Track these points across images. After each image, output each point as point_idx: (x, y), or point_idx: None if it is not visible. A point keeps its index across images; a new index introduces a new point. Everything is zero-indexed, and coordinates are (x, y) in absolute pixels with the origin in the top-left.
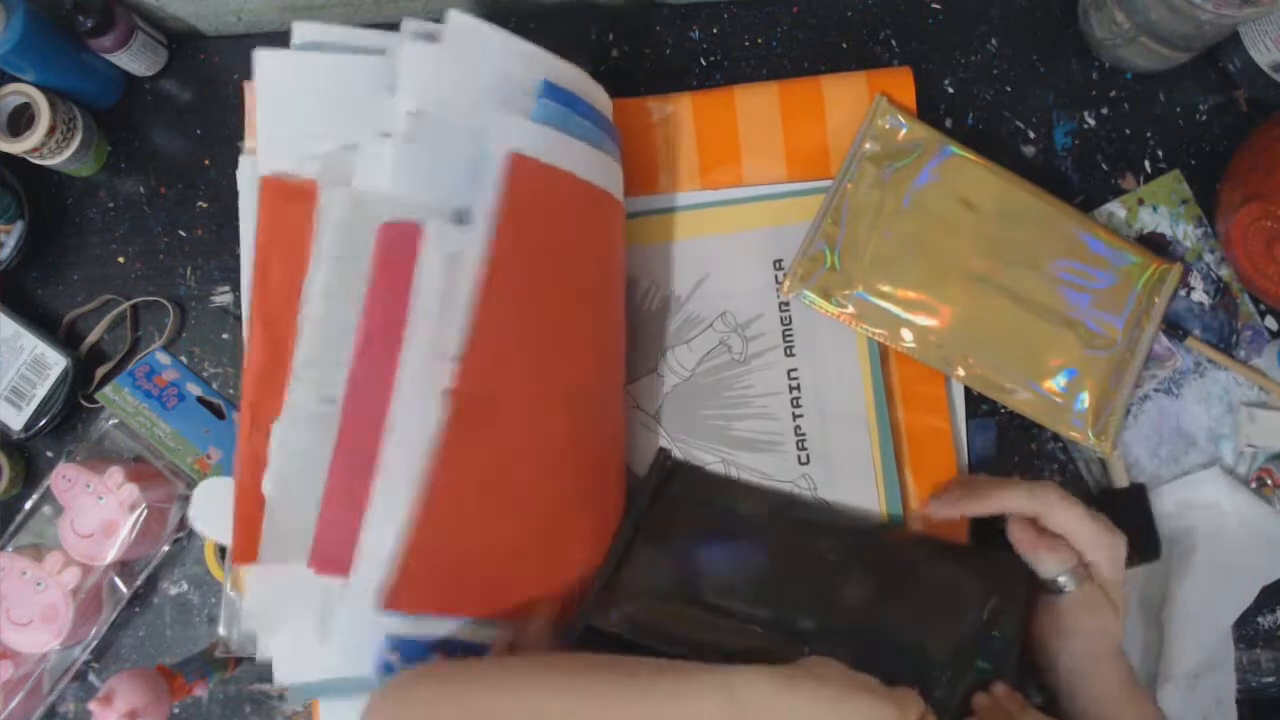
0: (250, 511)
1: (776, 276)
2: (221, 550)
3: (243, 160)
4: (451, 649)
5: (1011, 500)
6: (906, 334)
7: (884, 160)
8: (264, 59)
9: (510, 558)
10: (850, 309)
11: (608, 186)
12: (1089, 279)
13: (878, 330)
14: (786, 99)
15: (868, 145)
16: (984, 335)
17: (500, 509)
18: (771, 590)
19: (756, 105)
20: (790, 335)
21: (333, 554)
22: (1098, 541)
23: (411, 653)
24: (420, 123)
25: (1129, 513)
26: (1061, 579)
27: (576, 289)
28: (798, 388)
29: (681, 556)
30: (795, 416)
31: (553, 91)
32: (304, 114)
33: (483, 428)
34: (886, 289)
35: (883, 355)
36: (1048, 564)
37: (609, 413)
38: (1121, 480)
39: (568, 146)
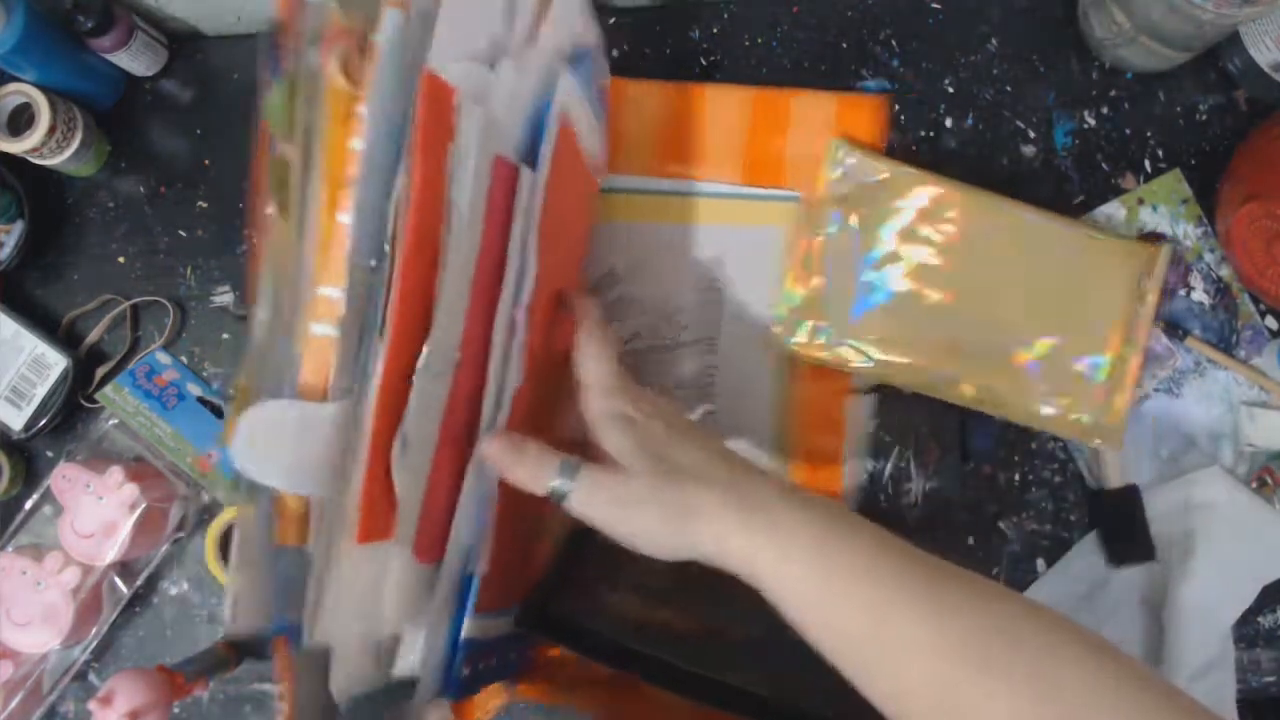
0: (383, 476)
1: (714, 273)
2: (223, 548)
3: (391, 14)
4: (502, 647)
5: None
6: (900, 362)
7: (851, 203)
8: None
9: (530, 537)
10: (836, 352)
11: (596, 164)
12: (1075, 277)
13: (869, 368)
14: (757, 107)
15: (831, 189)
16: (977, 353)
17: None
18: (709, 594)
19: (727, 107)
20: (715, 330)
21: (432, 538)
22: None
23: (477, 658)
24: (526, 52)
25: (1123, 513)
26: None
27: (561, 254)
28: (712, 383)
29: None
30: (709, 412)
31: (585, 59)
32: (477, 9)
33: (531, 387)
34: (872, 325)
35: (791, 371)
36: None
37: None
38: (1115, 479)
39: (585, 115)
